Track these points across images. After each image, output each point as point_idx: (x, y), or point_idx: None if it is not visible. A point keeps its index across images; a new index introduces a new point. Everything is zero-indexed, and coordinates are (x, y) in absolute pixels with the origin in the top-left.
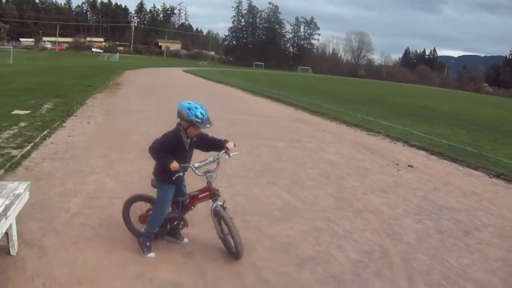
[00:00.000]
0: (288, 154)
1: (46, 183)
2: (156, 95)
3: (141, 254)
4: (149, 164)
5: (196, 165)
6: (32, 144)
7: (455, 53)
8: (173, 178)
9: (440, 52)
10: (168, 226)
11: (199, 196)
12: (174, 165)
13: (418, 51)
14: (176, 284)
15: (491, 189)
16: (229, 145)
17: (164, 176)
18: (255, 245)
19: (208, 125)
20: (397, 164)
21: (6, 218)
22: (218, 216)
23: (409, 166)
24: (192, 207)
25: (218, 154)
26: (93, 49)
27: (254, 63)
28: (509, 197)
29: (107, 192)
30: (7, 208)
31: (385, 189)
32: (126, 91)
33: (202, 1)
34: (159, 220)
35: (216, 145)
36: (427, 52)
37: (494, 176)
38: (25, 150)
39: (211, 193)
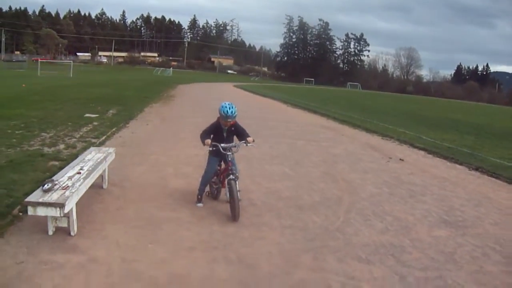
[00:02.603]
0: (301, 148)
1: (119, 158)
2: (204, 105)
3: (195, 204)
4: (191, 150)
5: (222, 145)
6: (105, 136)
7: (510, 69)
8: (208, 150)
9: (495, 68)
10: (215, 187)
11: (224, 170)
12: (207, 142)
13: (471, 67)
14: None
15: (463, 177)
16: (249, 138)
17: (209, 151)
18: (254, 190)
19: (229, 120)
20: (390, 158)
21: (105, 161)
22: (229, 185)
23: (400, 159)
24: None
25: (239, 142)
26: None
27: (304, 79)
28: (473, 182)
29: (162, 163)
30: (104, 158)
31: (367, 171)
32: (179, 102)
33: (254, 17)
34: (204, 180)
35: (242, 136)
36: (480, 68)
37: (473, 169)
38: (101, 139)
39: (228, 169)
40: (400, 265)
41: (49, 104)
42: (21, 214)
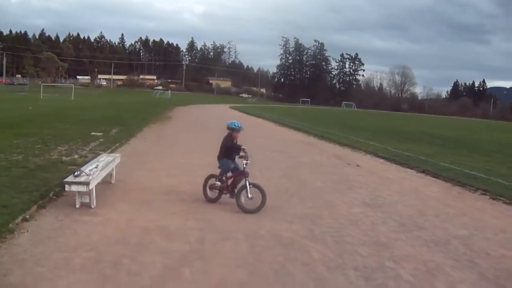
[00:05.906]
0: (274, 158)
1: (123, 165)
2: (198, 126)
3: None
4: (181, 159)
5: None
6: (110, 150)
7: (507, 84)
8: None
9: (492, 84)
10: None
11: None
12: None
13: (467, 83)
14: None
15: (407, 177)
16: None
17: (226, 156)
18: None
19: (242, 130)
20: (348, 164)
21: (113, 162)
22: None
23: (357, 165)
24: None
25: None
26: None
27: (301, 99)
28: (413, 181)
29: (157, 168)
30: (113, 160)
31: (322, 173)
32: (175, 123)
33: (251, 39)
34: (224, 171)
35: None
36: (476, 84)
37: (420, 171)
38: (107, 152)
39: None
40: (313, 224)
41: (58, 124)
42: (54, 197)
